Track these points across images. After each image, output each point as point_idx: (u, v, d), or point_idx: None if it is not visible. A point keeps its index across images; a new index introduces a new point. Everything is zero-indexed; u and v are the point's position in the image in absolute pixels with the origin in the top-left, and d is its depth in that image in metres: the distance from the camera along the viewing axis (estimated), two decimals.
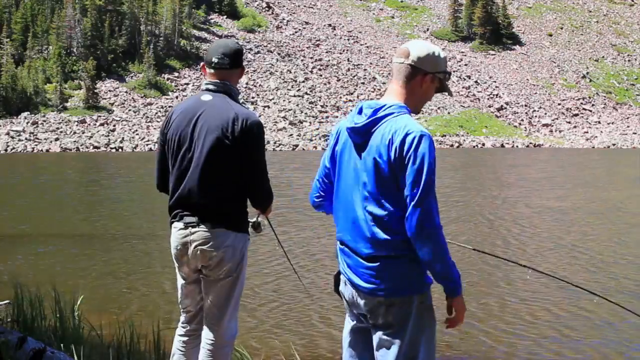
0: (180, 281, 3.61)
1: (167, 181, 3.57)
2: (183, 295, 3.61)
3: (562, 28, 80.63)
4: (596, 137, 59.71)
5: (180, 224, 3.46)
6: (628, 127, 62.75)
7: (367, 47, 70.86)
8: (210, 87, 3.49)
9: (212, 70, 3.51)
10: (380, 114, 2.63)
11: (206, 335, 3.58)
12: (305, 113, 57.37)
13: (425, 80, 2.66)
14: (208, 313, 3.55)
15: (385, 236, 2.61)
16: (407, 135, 2.52)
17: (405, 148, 2.52)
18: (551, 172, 27.90)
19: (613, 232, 12.40)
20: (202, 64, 3.60)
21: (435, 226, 2.53)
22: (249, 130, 3.36)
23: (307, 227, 12.93)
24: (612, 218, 14.19)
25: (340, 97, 61.27)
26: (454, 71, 68.80)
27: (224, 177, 3.40)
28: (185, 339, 3.63)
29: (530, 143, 56.29)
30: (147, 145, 46.11)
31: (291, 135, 51.74)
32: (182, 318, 3.65)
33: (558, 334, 6.65)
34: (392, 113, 2.61)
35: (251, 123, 3.38)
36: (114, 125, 50.45)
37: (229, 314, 3.53)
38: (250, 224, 3.60)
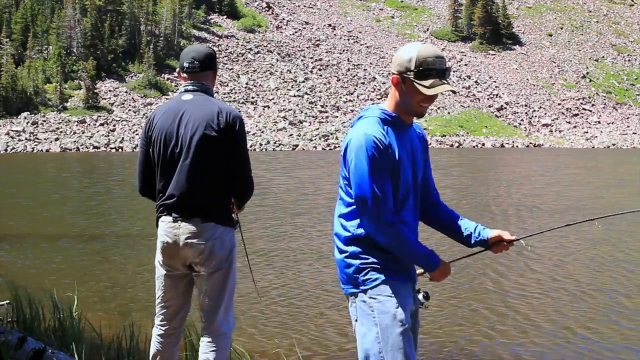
0: (161, 276, 3.62)
1: (151, 185, 3.63)
2: (166, 289, 3.62)
3: (562, 28, 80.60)
4: (596, 137, 59.64)
5: (169, 218, 3.52)
6: (628, 127, 62.68)
7: (367, 47, 70.82)
8: (189, 87, 3.63)
9: (185, 75, 3.66)
10: (358, 116, 2.82)
11: (204, 329, 3.63)
12: (305, 113, 57.33)
13: (394, 82, 2.73)
14: (203, 307, 3.61)
15: (338, 232, 2.82)
16: (351, 138, 2.69)
17: (348, 151, 2.70)
18: (535, 172, 27.91)
19: (564, 231, 12.47)
20: (177, 70, 3.74)
21: (379, 222, 2.64)
22: (233, 122, 3.52)
23: (274, 225, 13.14)
24: (572, 216, 14.27)
25: (340, 97, 61.23)
26: (453, 71, 68.73)
27: (212, 171, 3.50)
28: (165, 340, 3.65)
29: (530, 143, 56.22)
30: None
31: (291, 135, 51.69)
32: (161, 317, 3.66)
33: (484, 335, 6.66)
34: (362, 116, 2.78)
35: (234, 116, 3.54)
36: (114, 125, 50.43)
37: (223, 306, 3.59)
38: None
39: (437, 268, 2.79)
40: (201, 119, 3.47)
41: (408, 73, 2.68)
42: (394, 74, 2.73)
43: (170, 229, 3.51)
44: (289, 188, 20.25)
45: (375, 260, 2.71)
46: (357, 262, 2.72)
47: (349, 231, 2.75)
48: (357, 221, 2.72)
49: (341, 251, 2.79)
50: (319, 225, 13.21)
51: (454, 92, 2.74)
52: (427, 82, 2.66)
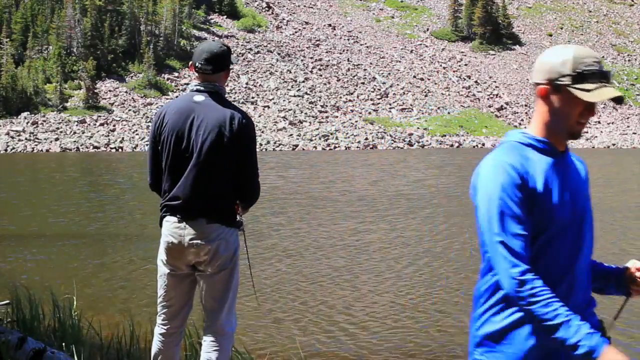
0: (164, 275, 3.63)
1: (160, 180, 3.64)
2: (168, 288, 3.63)
3: (562, 28, 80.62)
4: (596, 137, 59.66)
5: (174, 218, 3.53)
6: (628, 127, 62.73)
7: (367, 47, 70.83)
8: (201, 88, 3.61)
9: (196, 74, 3.64)
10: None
11: (206, 329, 3.64)
12: (305, 113, 57.34)
13: (543, 94, 2.13)
14: (207, 307, 3.63)
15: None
16: (478, 170, 2.19)
17: (476, 189, 2.17)
18: None
19: None
20: (190, 63, 3.72)
21: (509, 277, 1.99)
22: (245, 128, 3.52)
23: (251, 222, 13.29)
24: None
25: (340, 97, 61.25)
26: (453, 71, 68.80)
27: (219, 176, 3.51)
28: (167, 339, 3.67)
29: None
30: (147, 145, 45.99)
31: (291, 135, 51.70)
32: (163, 316, 3.67)
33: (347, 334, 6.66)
34: (501, 143, 2.26)
35: (246, 122, 3.54)
36: (114, 125, 50.44)
37: (227, 306, 3.61)
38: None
39: (600, 353, 1.88)
40: (213, 125, 3.47)
41: (562, 79, 2.07)
42: (540, 84, 2.12)
43: (175, 229, 3.53)
44: (274, 186, 20.24)
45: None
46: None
47: (477, 289, 2.18)
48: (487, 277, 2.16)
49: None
50: (296, 224, 13.33)
51: (621, 100, 2.07)
52: (590, 86, 2.05)
